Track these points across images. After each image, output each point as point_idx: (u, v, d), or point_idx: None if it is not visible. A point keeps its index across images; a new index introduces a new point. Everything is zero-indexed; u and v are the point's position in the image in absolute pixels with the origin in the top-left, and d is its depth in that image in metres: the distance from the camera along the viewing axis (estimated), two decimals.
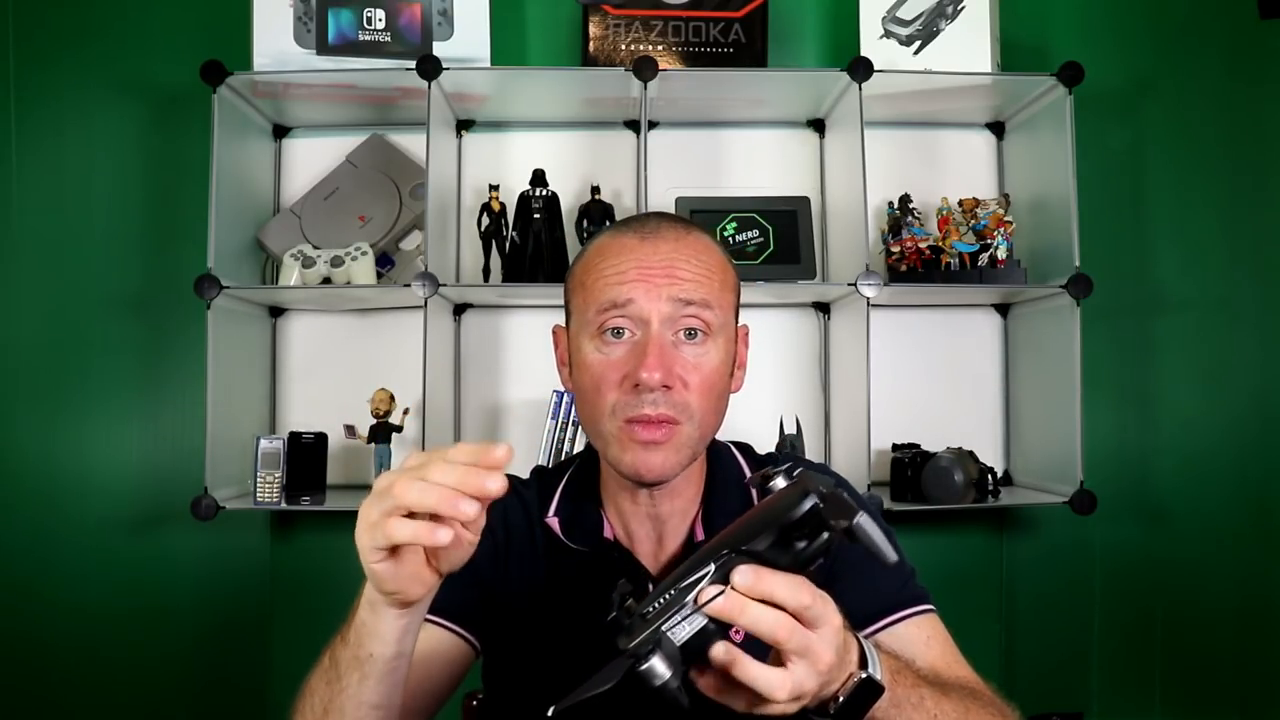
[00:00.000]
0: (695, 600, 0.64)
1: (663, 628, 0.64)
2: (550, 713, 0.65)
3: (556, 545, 1.00)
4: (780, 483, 0.69)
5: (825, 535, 0.64)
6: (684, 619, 0.64)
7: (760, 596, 0.63)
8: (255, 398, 1.94)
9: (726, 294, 0.96)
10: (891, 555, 0.64)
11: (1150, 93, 2.03)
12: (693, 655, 0.64)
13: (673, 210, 1.87)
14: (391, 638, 0.76)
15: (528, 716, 0.99)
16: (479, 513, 0.65)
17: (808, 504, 0.64)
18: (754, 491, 1.00)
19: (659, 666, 0.62)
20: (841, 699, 0.70)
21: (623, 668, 0.63)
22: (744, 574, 0.63)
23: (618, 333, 0.92)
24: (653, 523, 0.98)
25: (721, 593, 0.63)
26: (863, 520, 0.62)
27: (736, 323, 0.99)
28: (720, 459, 1.04)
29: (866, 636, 0.76)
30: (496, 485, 0.65)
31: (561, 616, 0.97)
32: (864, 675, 0.70)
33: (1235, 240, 2.01)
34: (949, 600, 1.01)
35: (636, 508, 0.99)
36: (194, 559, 1.93)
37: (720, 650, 0.64)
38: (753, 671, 0.64)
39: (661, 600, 0.65)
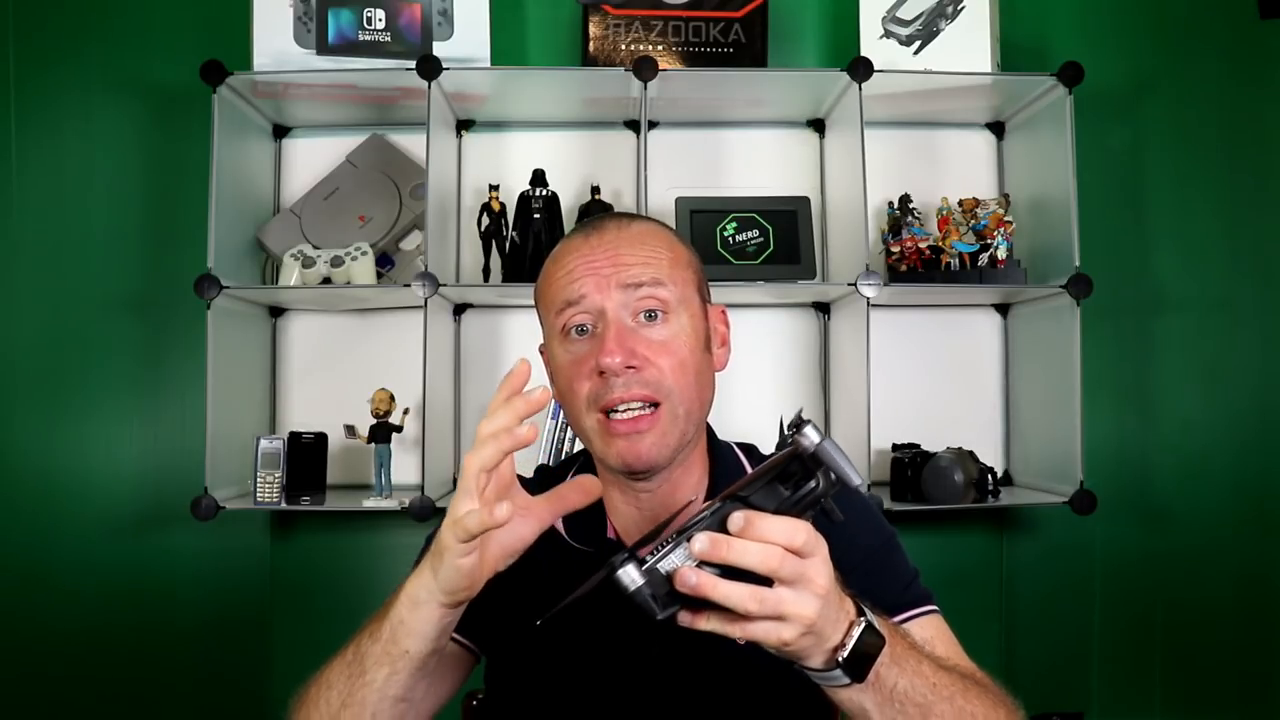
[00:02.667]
0: (687, 545, 0.67)
1: (658, 566, 0.67)
2: (538, 623, 0.69)
3: (560, 544, 1.00)
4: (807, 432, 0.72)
5: (812, 484, 0.68)
6: (680, 561, 0.67)
7: (754, 537, 0.66)
8: (255, 398, 1.94)
9: (680, 270, 0.96)
10: (855, 478, 0.67)
11: (1150, 93, 2.03)
12: (683, 596, 0.68)
13: (672, 210, 1.87)
14: (432, 634, 0.78)
15: (530, 716, 0.99)
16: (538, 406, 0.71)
17: (789, 444, 0.68)
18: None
19: (631, 572, 0.66)
20: (849, 646, 0.71)
21: (598, 578, 0.67)
22: (736, 519, 0.67)
23: (581, 330, 0.94)
24: (653, 524, 0.98)
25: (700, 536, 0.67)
26: (825, 445, 0.66)
27: (705, 299, 1.00)
28: (723, 460, 1.04)
29: None
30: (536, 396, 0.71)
31: (564, 616, 0.97)
32: (865, 622, 0.72)
33: (1235, 240, 2.01)
34: (949, 600, 1.01)
35: (637, 510, 0.98)
36: (194, 559, 1.93)
37: (689, 577, 0.66)
38: (723, 590, 0.66)
39: (660, 546, 0.69)
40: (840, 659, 0.71)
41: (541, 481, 1.07)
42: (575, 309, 0.93)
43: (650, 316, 0.93)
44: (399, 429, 1.82)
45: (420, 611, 0.77)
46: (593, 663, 0.95)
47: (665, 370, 0.91)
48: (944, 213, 1.89)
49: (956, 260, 1.85)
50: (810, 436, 0.66)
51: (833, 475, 0.67)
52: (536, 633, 0.96)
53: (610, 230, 0.96)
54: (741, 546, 0.66)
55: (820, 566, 0.69)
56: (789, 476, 0.68)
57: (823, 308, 2.00)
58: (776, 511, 0.68)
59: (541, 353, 1.04)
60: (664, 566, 0.67)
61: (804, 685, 0.75)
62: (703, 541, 0.66)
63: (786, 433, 0.69)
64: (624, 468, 0.92)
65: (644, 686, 0.94)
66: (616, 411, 0.90)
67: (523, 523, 0.77)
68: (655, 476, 0.95)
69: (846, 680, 0.73)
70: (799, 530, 0.67)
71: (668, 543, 0.68)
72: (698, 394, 0.94)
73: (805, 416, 0.69)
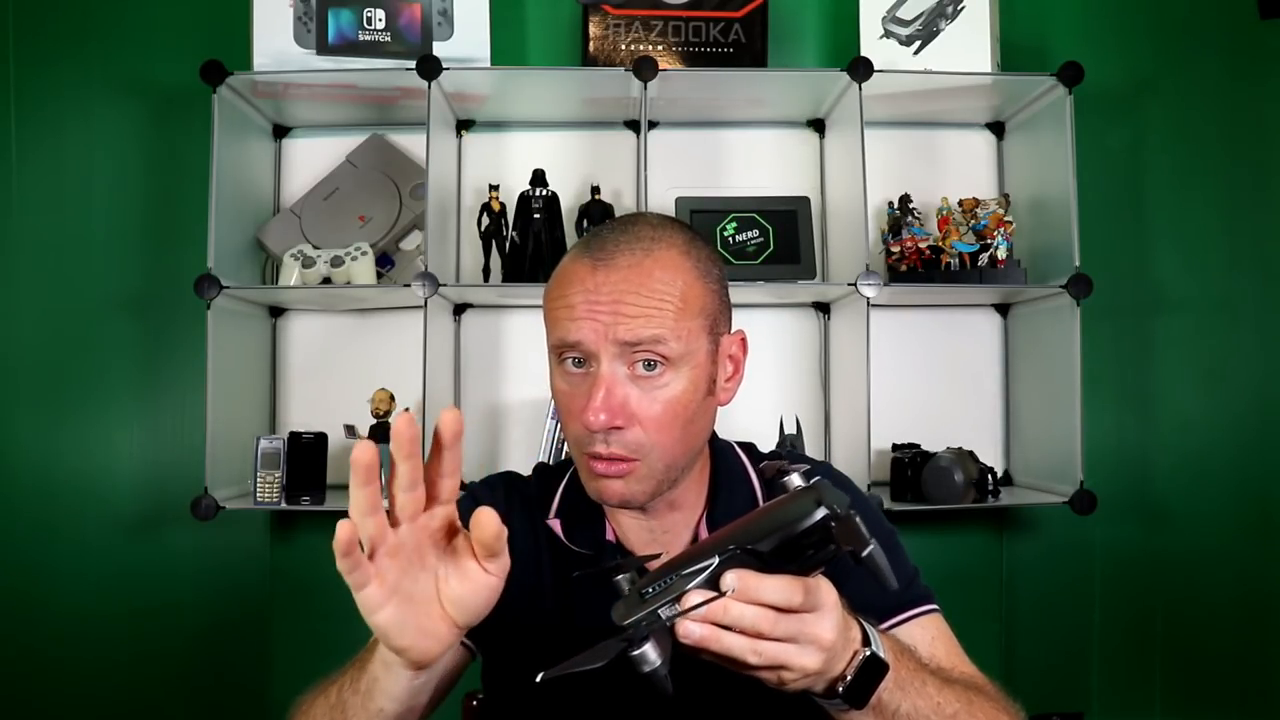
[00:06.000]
0: (681, 601, 0.65)
1: (658, 611, 0.65)
2: (539, 678, 0.66)
3: (558, 547, 1.00)
4: (796, 481, 0.70)
5: (832, 547, 0.65)
6: (677, 607, 0.66)
7: (751, 601, 0.65)
8: (255, 398, 1.94)
9: (689, 319, 0.89)
10: (894, 583, 0.65)
11: (1150, 93, 2.02)
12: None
13: (673, 210, 1.87)
14: (404, 697, 0.75)
15: (528, 718, 0.99)
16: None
17: (818, 517, 0.64)
18: (757, 486, 1.01)
19: (650, 654, 0.64)
20: (849, 677, 0.71)
21: (615, 649, 0.64)
22: (728, 580, 0.65)
23: (577, 362, 0.90)
24: (651, 532, 0.98)
25: (708, 601, 0.65)
26: (874, 551, 0.64)
27: (720, 332, 0.94)
28: (724, 459, 1.03)
29: None
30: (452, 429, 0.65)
31: (562, 619, 0.96)
32: (868, 653, 0.71)
33: (1235, 240, 2.01)
34: (949, 600, 1.01)
35: (633, 520, 0.98)
36: (194, 559, 1.93)
37: (693, 630, 0.65)
38: (725, 641, 0.65)
39: (661, 584, 0.67)
40: (840, 689, 0.71)
41: (539, 484, 1.06)
42: (571, 352, 0.90)
43: (649, 366, 0.88)
44: None
45: (390, 672, 0.74)
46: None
47: (650, 429, 0.88)
48: (944, 213, 1.89)
49: (956, 260, 1.85)
50: (870, 544, 0.63)
51: (850, 549, 0.64)
52: (533, 639, 0.96)
53: (621, 265, 0.88)
54: (738, 611, 0.64)
55: (824, 620, 0.67)
56: (809, 537, 0.65)
57: (823, 308, 2.00)
58: (791, 570, 0.65)
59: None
60: (665, 613, 0.65)
61: (799, 696, 0.75)
62: (700, 609, 0.65)
63: (820, 514, 0.64)
64: (600, 503, 0.93)
65: (638, 686, 0.94)
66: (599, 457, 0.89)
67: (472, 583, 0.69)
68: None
69: (846, 707, 0.72)
70: (795, 593, 0.65)
71: (667, 579, 0.67)
72: (683, 444, 0.91)
73: (845, 501, 0.64)
